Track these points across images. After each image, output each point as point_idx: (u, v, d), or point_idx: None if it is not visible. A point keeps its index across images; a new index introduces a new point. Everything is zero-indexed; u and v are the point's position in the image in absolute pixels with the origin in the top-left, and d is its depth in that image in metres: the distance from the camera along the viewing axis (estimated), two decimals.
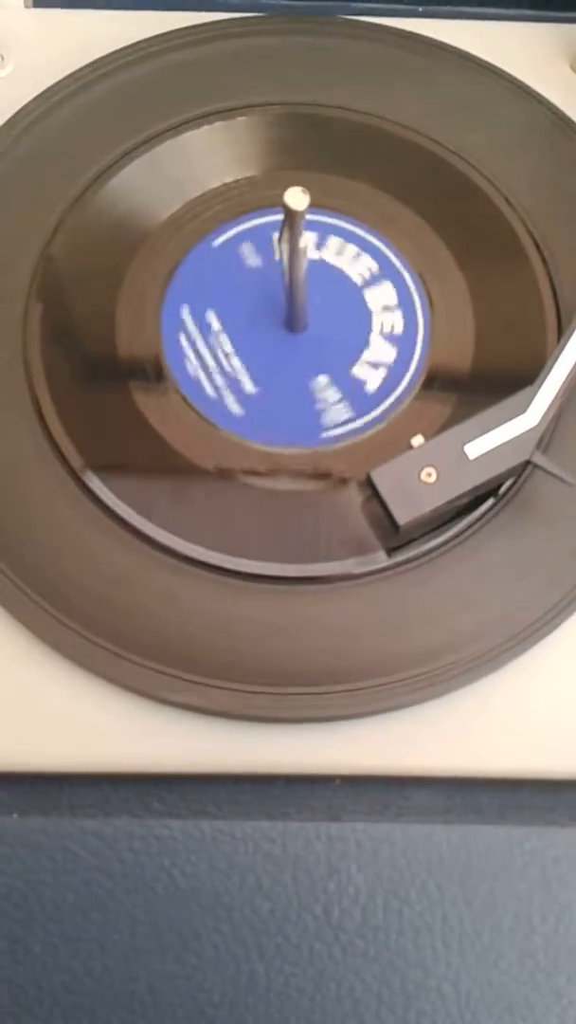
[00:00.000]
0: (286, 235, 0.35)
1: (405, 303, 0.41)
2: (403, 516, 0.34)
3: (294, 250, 0.35)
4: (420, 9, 0.48)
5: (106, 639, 0.35)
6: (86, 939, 0.28)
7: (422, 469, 0.35)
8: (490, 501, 0.37)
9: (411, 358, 0.40)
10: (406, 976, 0.27)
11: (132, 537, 0.36)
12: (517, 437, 0.35)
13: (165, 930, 0.28)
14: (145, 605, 0.35)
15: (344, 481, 0.38)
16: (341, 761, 0.34)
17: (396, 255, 0.41)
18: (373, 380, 0.39)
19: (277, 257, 0.36)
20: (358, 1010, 0.27)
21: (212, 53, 0.45)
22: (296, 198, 0.33)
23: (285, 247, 0.35)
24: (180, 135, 0.43)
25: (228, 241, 0.42)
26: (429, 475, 0.35)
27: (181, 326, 0.40)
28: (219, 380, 0.39)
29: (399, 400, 0.39)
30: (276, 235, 0.36)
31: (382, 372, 0.39)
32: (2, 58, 0.45)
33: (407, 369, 0.40)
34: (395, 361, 0.40)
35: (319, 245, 0.42)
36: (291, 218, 0.34)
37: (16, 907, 0.28)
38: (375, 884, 0.28)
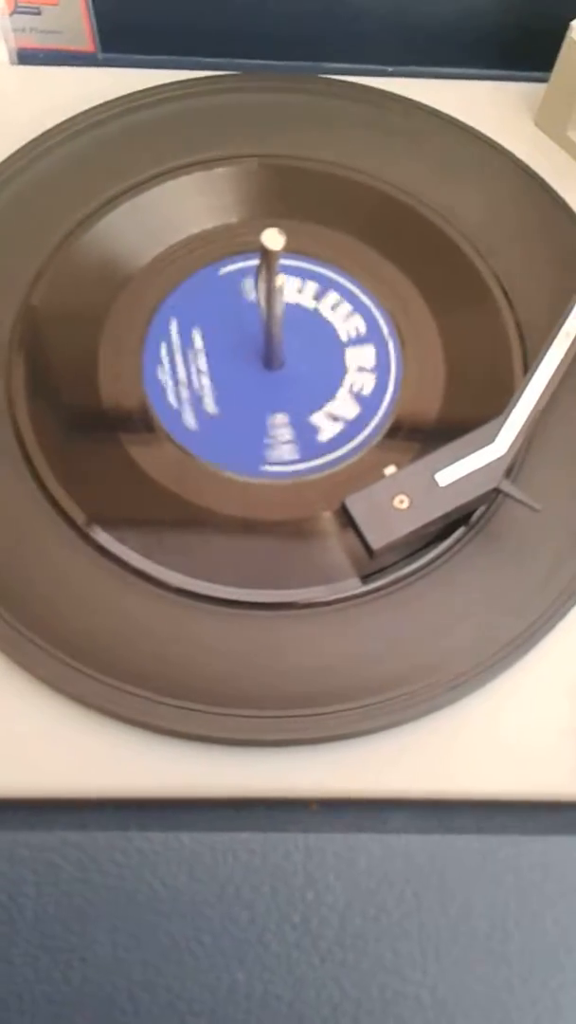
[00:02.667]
0: (263, 274, 0.36)
1: (381, 365, 0.42)
2: (377, 541, 0.35)
3: (270, 289, 0.37)
4: (389, 69, 0.51)
5: (83, 664, 0.35)
6: (67, 950, 0.28)
7: (395, 496, 0.36)
8: (462, 529, 0.38)
9: (372, 418, 0.41)
10: (384, 983, 0.28)
11: (112, 564, 0.37)
12: (486, 466, 0.36)
13: (146, 940, 0.28)
14: (122, 631, 0.36)
15: (322, 511, 0.39)
16: (317, 785, 0.34)
17: (376, 305, 0.43)
18: (328, 431, 0.41)
19: (253, 298, 0.38)
20: (337, 1017, 0.27)
21: (191, 108, 0.46)
22: (272, 239, 0.35)
23: (262, 286, 0.37)
24: (160, 185, 0.44)
25: (234, 272, 0.43)
26: (402, 502, 0.36)
27: (166, 336, 0.42)
28: (184, 393, 0.41)
29: (350, 454, 0.40)
30: (253, 277, 0.37)
31: (339, 425, 0.41)
32: None
33: (365, 427, 0.41)
34: (355, 419, 0.41)
35: (318, 296, 0.43)
36: (268, 258, 0.35)
37: None
38: (353, 893, 0.29)
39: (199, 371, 0.41)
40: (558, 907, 0.29)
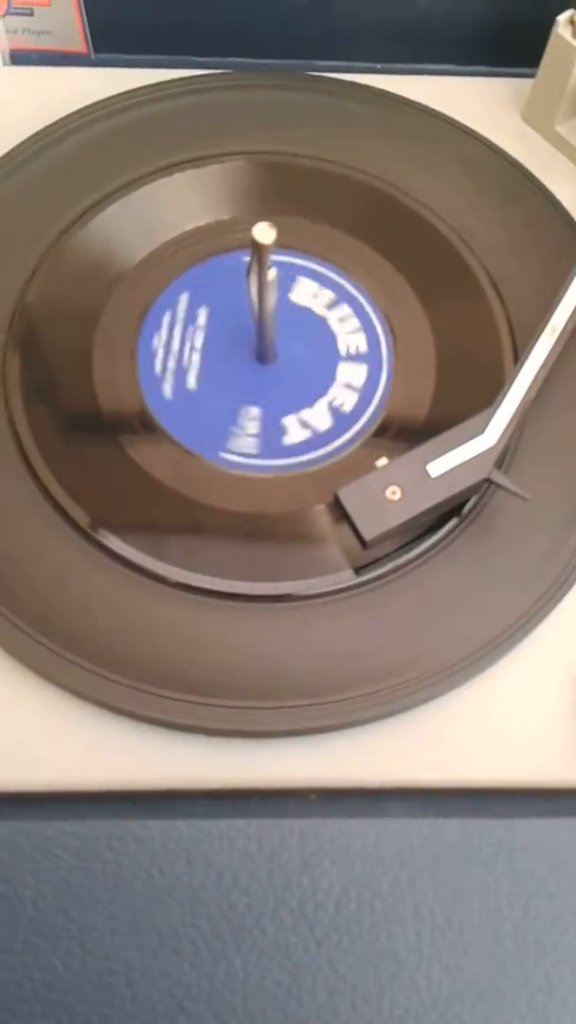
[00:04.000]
0: (254, 268, 0.37)
1: (368, 387, 0.42)
2: (369, 532, 0.36)
3: (262, 283, 0.37)
4: (378, 66, 0.51)
5: (78, 655, 0.35)
6: (66, 937, 0.28)
7: (387, 487, 0.36)
8: (454, 520, 0.38)
9: (345, 432, 0.41)
10: (380, 967, 0.28)
11: (108, 559, 0.37)
12: (476, 456, 0.37)
13: (144, 927, 0.28)
14: (117, 622, 0.36)
15: (313, 504, 0.39)
16: (315, 775, 0.34)
17: (376, 313, 0.43)
18: (294, 435, 0.41)
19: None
20: (333, 1001, 0.28)
21: (183, 106, 0.47)
22: (264, 232, 0.35)
23: (253, 279, 0.37)
24: (153, 182, 0.45)
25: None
26: (394, 493, 0.36)
27: (172, 306, 0.43)
28: (171, 363, 0.41)
29: (307, 463, 0.40)
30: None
31: (306, 433, 0.41)
32: None
33: (335, 439, 0.41)
34: (324, 431, 0.41)
35: (331, 306, 0.43)
36: (259, 252, 0.36)
37: None
38: (348, 878, 0.29)
39: (192, 348, 0.42)
40: (550, 887, 0.29)
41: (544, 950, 0.28)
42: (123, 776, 0.34)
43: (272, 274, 0.37)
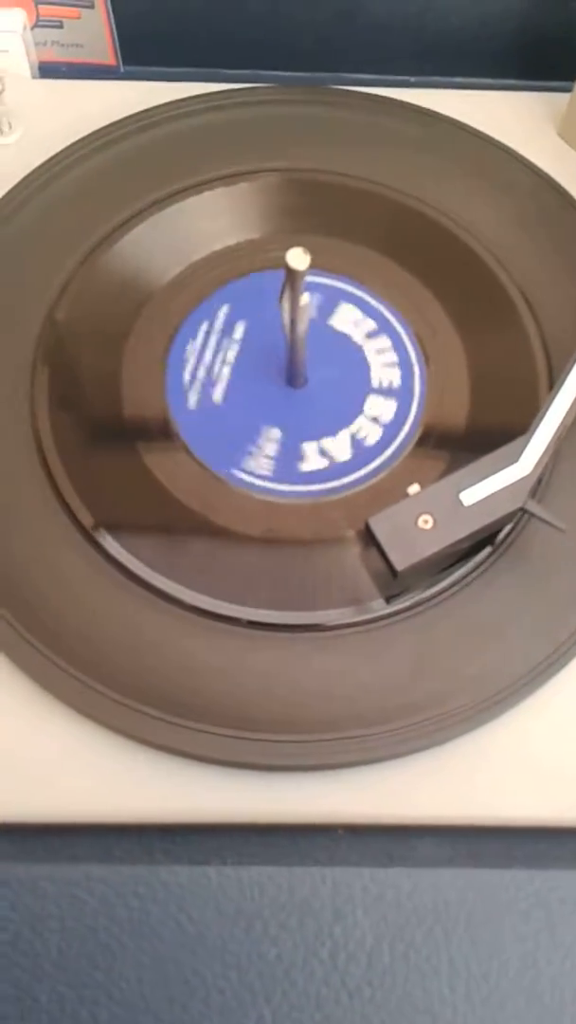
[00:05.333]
0: (287, 294, 0.36)
1: (395, 422, 0.41)
2: (401, 562, 0.35)
3: (295, 307, 0.36)
4: (412, 80, 0.51)
5: (108, 687, 0.35)
6: (92, 986, 0.28)
7: (419, 516, 0.35)
8: (487, 549, 0.38)
9: (366, 467, 0.40)
10: (413, 1021, 0.27)
11: (136, 586, 0.37)
12: (511, 485, 0.36)
13: (172, 977, 0.28)
14: (148, 654, 0.36)
15: (347, 531, 0.38)
16: (344, 810, 0.34)
17: (412, 343, 0.42)
18: (311, 463, 0.40)
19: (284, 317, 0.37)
20: None
21: (213, 122, 0.46)
22: (298, 258, 0.34)
23: (286, 305, 0.36)
24: (183, 200, 0.44)
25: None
26: (426, 522, 0.35)
27: (211, 316, 0.42)
28: (201, 374, 0.41)
29: (318, 492, 0.39)
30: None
31: (324, 462, 0.40)
32: (10, 125, 0.46)
33: (353, 472, 0.40)
34: (343, 463, 0.40)
35: (371, 335, 0.43)
36: (292, 277, 0.35)
37: (23, 955, 0.28)
38: (381, 928, 0.28)
39: (224, 361, 0.41)
40: None
41: None
42: (149, 809, 0.33)
43: (305, 299, 0.36)
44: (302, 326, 0.37)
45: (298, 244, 0.34)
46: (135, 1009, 0.27)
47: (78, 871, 0.29)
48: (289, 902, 0.29)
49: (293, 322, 0.37)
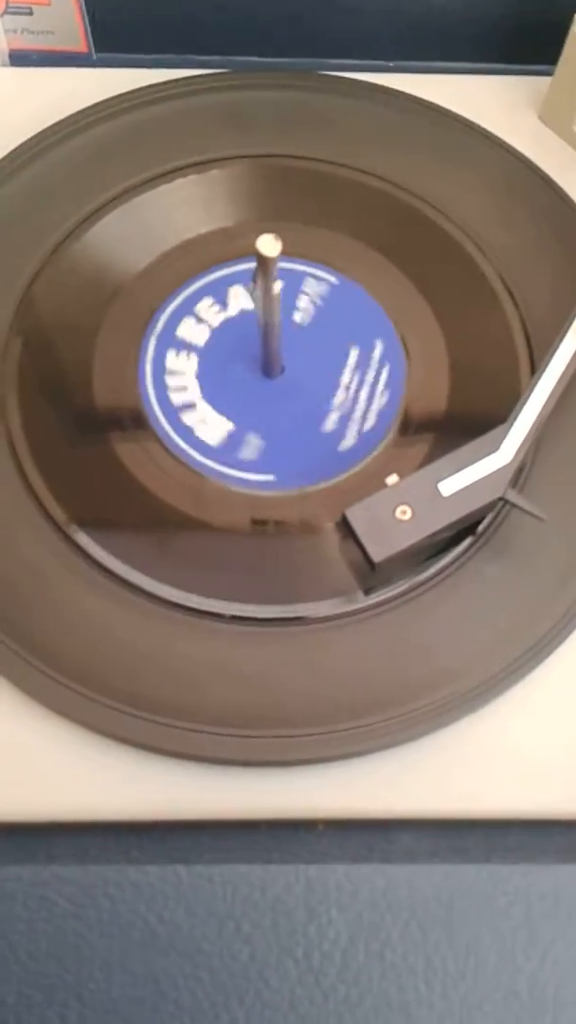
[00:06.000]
0: (259, 281, 0.35)
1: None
2: (378, 553, 0.34)
3: (267, 295, 0.36)
4: (391, 64, 0.50)
5: (83, 685, 0.34)
6: (61, 988, 0.27)
7: (397, 507, 0.35)
8: (469, 539, 0.37)
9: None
10: (389, 1020, 0.27)
11: (114, 583, 0.36)
12: (490, 475, 0.35)
13: (142, 978, 0.27)
14: (122, 650, 0.35)
15: (323, 523, 0.38)
16: (324, 805, 0.33)
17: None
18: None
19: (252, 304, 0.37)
20: None
21: (185, 108, 0.45)
22: (268, 245, 0.34)
23: (258, 293, 0.36)
24: (155, 188, 0.43)
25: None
26: (404, 512, 0.35)
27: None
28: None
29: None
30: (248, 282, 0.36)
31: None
32: None
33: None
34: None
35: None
36: (264, 264, 0.34)
37: None
38: (356, 927, 0.28)
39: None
40: (568, 937, 0.28)
41: (562, 1003, 0.27)
42: (126, 807, 0.33)
43: (278, 287, 0.35)
44: (275, 314, 0.37)
45: (272, 231, 0.34)
46: (104, 1011, 0.27)
47: (47, 872, 0.28)
48: (262, 900, 0.28)
49: (267, 310, 0.36)
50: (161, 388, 0.40)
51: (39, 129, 0.45)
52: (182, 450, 0.39)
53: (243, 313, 0.41)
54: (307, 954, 0.27)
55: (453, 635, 0.36)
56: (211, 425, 0.39)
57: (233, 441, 0.39)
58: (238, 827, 0.33)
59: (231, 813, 0.33)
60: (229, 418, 0.40)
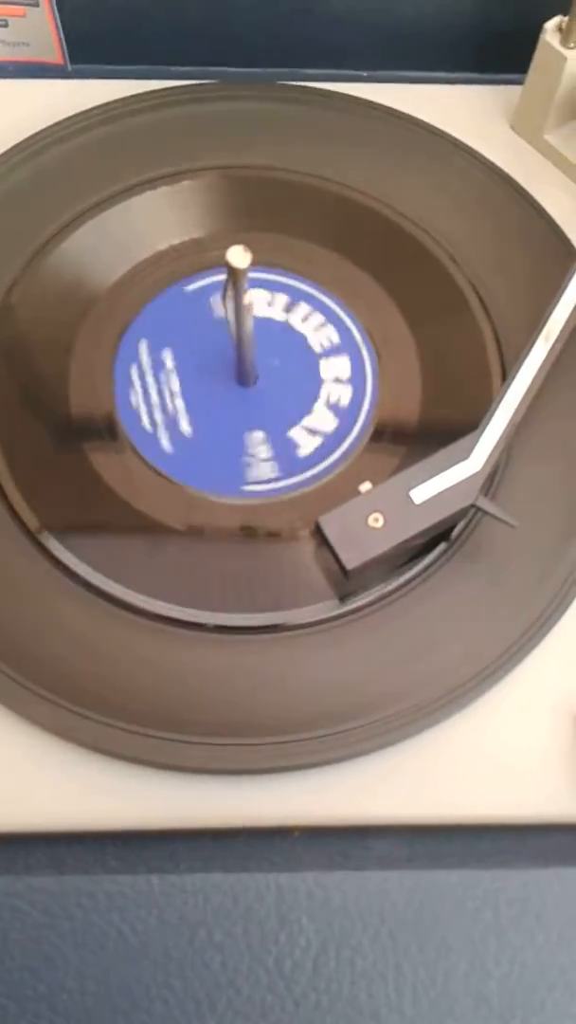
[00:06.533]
0: (230, 292, 0.35)
1: (356, 375, 0.41)
2: (351, 560, 0.35)
3: (239, 306, 0.36)
4: (365, 74, 0.50)
5: (61, 696, 0.34)
6: (34, 999, 0.27)
7: (369, 514, 0.35)
8: (442, 545, 0.37)
9: (352, 429, 0.40)
10: None
11: (90, 594, 0.36)
12: (461, 482, 0.36)
13: (115, 987, 0.27)
14: (97, 660, 0.35)
15: (299, 531, 0.38)
16: (299, 812, 0.33)
17: (349, 316, 0.42)
18: (307, 445, 0.40)
19: (221, 314, 0.37)
20: None
21: (158, 120, 0.46)
22: (238, 256, 0.34)
23: (230, 304, 0.36)
24: (128, 199, 0.43)
25: (200, 289, 0.42)
26: (376, 520, 0.35)
27: (135, 358, 0.41)
28: (158, 416, 0.40)
29: (329, 468, 0.39)
30: (220, 294, 0.36)
31: (318, 439, 0.40)
32: None
33: (345, 439, 0.40)
34: (333, 431, 0.40)
35: (288, 309, 0.42)
36: (234, 276, 0.35)
37: None
38: (327, 934, 0.28)
39: (172, 392, 0.40)
40: (538, 943, 0.28)
41: (531, 1009, 0.27)
42: (102, 817, 0.33)
43: (248, 297, 0.36)
44: (248, 324, 0.37)
45: (244, 242, 0.34)
46: (77, 1020, 0.27)
47: (20, 882, 0.28)
48: (233, 909, 0.28)
49: (239, 321, 0.37)
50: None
51: (15, 141, 0.45)
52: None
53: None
54: (278, 962, 0.28)
55: (427, 641, 0.36)
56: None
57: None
58: (215, 835, 0.33)
59: (208, 821, 0.33)
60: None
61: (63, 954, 0.27)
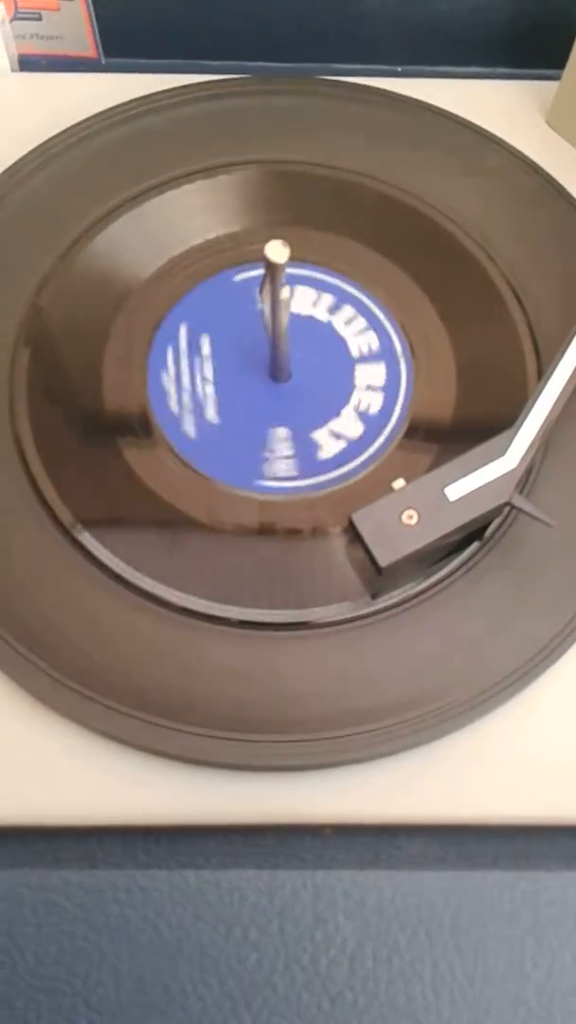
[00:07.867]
0: (267, 287, 0.35)
1: (390, 384, 0.41)
2: (385, 558, 0.34)
3: (275, 301, 0.36)
4: (399, 69, 0.50)
5: (90, 689, 0.34)
6: (69, 993, 0.27)
7: (403, 511, 0.35)
8: (476, 544, 0.37)
9: (377, 437, 0.40)
10: None
11: (120, 587, 0.36)
12: (497, 479, 0.35)
13: (150, 983, 0.27)
14: (130, 654, 0.35)
15: (332, 528, 0.38)
16: (331, 810, 0.33)
17: (390, 321, 0.42)
18: (329, 448, 0.40)
19: (259, 308, 0.37)
20: None
21: (193, 114, 0.46)
22: (276, 251, 0.34)
23: (267, 298, 0.36)
24: (163, 193, 0.43)
25: (248, 280, 0.42)
26: (411, 517, 0.35)
27: (174, 340, 0.41)
28: (187, 400, 0.40)
29: (348, 475, 0.39)
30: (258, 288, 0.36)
31: (341, 444, 0.40)
32: None
33: (370, 445, 0.40)
34: (358, 438, 0.40)
35: (332, 310, 0.42)
36: (272, 270, 0.34)
37: None
38: (363, 933, 0.28)
39: (204, 379, 0.40)
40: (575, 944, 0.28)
41: (570, 1011, 0.27)
42: (134, 812, 0.33)
43: (285, 292, 0.35)
44: (284, 319, 0.37)
45: (280, 237, 0.34)
46: (112, 1016, 0.27)
47: (56, 876, 0.28)
48: (269, 907, 0.28)
49: (275, 315, 0.37)
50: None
51: (48, 135, 0.45)
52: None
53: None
54: (314, 960, 0.27)
55: (461, 639, 0.36)
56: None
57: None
58: (245, 832, 0.33)
59: (239, 818, 0.33)
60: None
61: (99, 948, 0.27)
